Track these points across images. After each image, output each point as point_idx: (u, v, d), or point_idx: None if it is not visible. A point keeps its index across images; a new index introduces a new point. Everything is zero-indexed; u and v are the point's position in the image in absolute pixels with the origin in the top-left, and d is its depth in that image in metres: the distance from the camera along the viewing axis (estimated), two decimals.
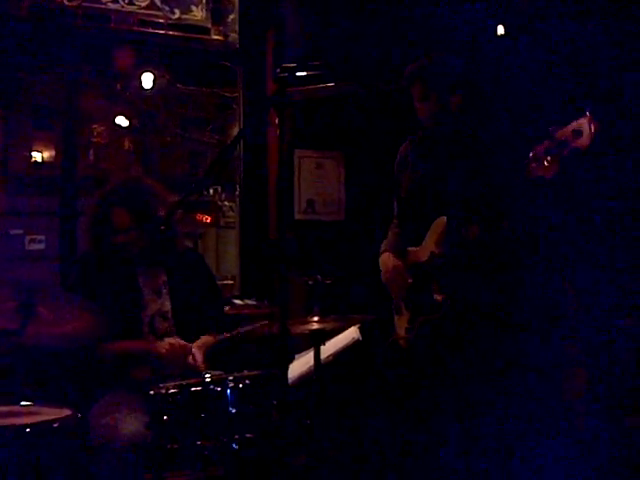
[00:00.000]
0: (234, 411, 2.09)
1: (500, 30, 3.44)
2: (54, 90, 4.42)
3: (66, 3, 3.47)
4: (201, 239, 6.04)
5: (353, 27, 3.53)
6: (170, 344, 2.42)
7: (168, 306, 2.55)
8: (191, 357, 2.44)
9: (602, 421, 2.57)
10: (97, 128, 5.94)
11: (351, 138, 3.72)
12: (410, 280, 2.40)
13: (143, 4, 3.63)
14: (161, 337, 2.50)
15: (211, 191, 5.97)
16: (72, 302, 2.12)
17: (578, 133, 1.96)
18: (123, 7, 3.58)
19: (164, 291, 2.57)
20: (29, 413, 2.12)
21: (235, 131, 4.65)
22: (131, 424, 2.20)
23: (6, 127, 3.47)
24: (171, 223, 2.47)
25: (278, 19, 3.68)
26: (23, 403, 2.18)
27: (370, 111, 3.65)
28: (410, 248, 2.45)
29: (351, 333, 2.45)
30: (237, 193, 4.01)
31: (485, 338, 2.29)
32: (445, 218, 2.32)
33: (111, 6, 3.57)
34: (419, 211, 2.42)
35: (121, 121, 5.85)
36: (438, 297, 2.29)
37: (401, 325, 2.46)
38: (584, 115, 1.96)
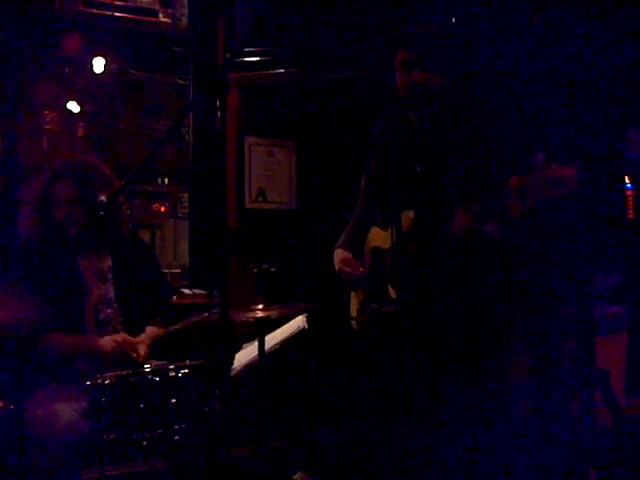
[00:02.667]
0: (174, 401, 2.06)
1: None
2: None
3: None
4: (159, 229, 5.93)
5: (306, 13, 3.48)
6: (116, 341, 2.36)
7: (112, 293, 2.49)
8: (134, 352, 2.38)
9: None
10: (49, 114, 5.76)
11: (303, 126, 3.68)
12: (362, 269, 2.36)
13: None
14: (105, 325, 2.45)
15: (166, 180, 5.85)
16: (12, 289, 2.04)
17: (561, 181, 1.92)
18: None
19: (109, 276, 2.51)
20: None
21: (188, 118, 4.57)
22: (68, 415, 2.15)
23: None
24: (114, 208, 2.41)
25: (228, 2, 3.61)
26: None
27: (321, 99, 3.62)
28: (375, 229, 2.38)
29: (297, 322, 2.43)
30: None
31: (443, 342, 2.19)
32: (413, 212, 2.22)
33: None
34: (388, 191, 2.28)
35: (73, 107, 5.68)
36: (393, 293, 2.24)
37: (354, 304, 2.44)
38: (569, 165, 1.93)
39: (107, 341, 2.36)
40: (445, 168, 2.23)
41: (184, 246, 5.51)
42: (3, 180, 3.48)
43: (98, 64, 4.59)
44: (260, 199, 3.65)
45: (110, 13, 3.58)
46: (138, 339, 2.41)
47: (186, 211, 5.80)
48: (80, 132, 6.21)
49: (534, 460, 2.50)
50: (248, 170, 3.66)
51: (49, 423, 2.15)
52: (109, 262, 2.53)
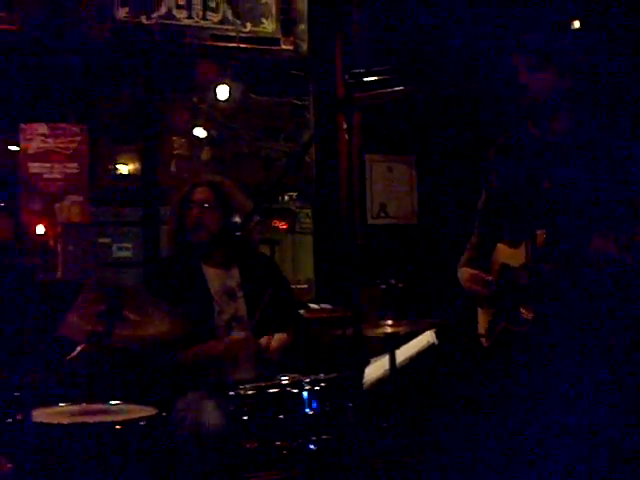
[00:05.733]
0: (310, 413, 2.13)
1: (576, 25, 3.30)
2: (136, 105, 4.65)
3: (144, 22, 3.66)
4: (278, 245, 6.15)
5: (421, 28, 3.51)
6: (246, 335, 2.47)
7: (244, 310, 2.60)
8: (265, 343, 2.46)
9: None
10: (177, 140, 6.19)
11: (422, 141, 3.70)
12: (493, 285, 2.31)
13: (216, 19, 3.76)
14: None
15: (286, 197, 6.08)
16: (156, 306, 2.22)
17: None
18: (197, 22, 3.73)
19: (239, 294, 2.63)
20: (118, 411, 2.24)
21: (307, 138, 4.72)
22: (213, 423, 2.28)
23: (91, 143, 3.70)
24: (247, 229, 2.54)
25: (346, 27, 3.72)
26: (112, 402, 2.31)
27: (440, 113, 3.62)
28: (501, 245, 2.33)
29: (426, 337, 2.44)
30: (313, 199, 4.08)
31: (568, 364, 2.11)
32: (544, 231, 2.14)
33: (186, 22, 3.72)
34: (515, 209, 2.26)
35: (199, 133, 6.07)
36: (527, 314, 2.16)
37: (483, 321, 2.40)
38: None
39: (237, 335, 2.48)
40: (577, 186, 2.16)
41: (303, 261, 5.69)
42: (146, 200, 3.80)
43: (222, 91, 4.90)
44: (382, 215, 3.70)
45: (235, 45, 3.81)
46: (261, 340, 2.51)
47: (305, 227, 6.00)
48: (205, 156, 6.63)
49: None
50: (369, 187, 3.73)
51: (195, 431, 2.30)
52: (238, 279, 2.65)
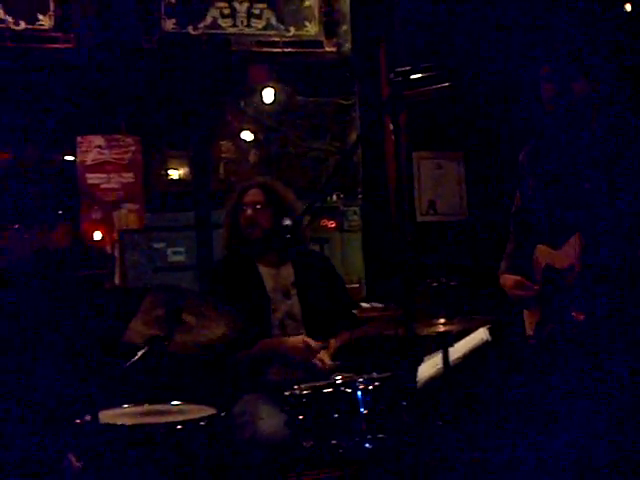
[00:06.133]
0: (365, 412, 2.15)
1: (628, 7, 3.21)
2: (185, 112, 4.77)
3: (191, 32, 3.75)
4: (327, 244, 6.19)
5: (465, 25, 3.49)
6: (303, 340, 2.52)
7: (298, 308, 2.65)
8: (318, 359, 2.52)
9: None
10: (225, 144, 6.32)
11: (471, 136, 3.66)
12: (536, 289, 2.30)
13: (260, 25, 3.82)
14: None
15: (334, 197, 6.11)
16: (213, 309, 2.28)
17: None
18: (242, 30, 3.80)
19: (293, 293, 2.67)
20: (178, 412, 2.32)
21: (353, 137, 4.74)
22: (269, 423, 2.33)
23: (144, 149, 3.84)
24: (299, 229, 2.59)
25: (389, 25, 3.72)
26: (173, 402, 2.40)
27: (487, 108, 3.57)
28: (543, 247, 2.32)
29: (480, 334, 2.43)
30: (359, 197, 4.09)
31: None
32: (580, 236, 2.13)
33: (231, 30, 3.80)
34: (554, 212, 2.26)
35: (246, 136, 6.17)
36: (578, 315, 2.14)
37: (531, 322, 2.38)
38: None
39: (296, 338, 2.53)
40: (616, 189, 2.12)
41: (352, 259, 5.72)
42: (199, 204, 3.90)
43: (268, 94, 4.98)
44: (431, 212, 3.68)
45: (280, 50, 3.87)
46: (322, 348, 2.55)
47: (353, 224, 6.02)
48: (252, 158, 6.74)
49: None
50: (418, 184, 3.72)
51: (253, 430, 2.35)
52: (292, 278, 2.69)
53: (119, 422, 2.19)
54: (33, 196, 4.08)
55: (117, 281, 3.78)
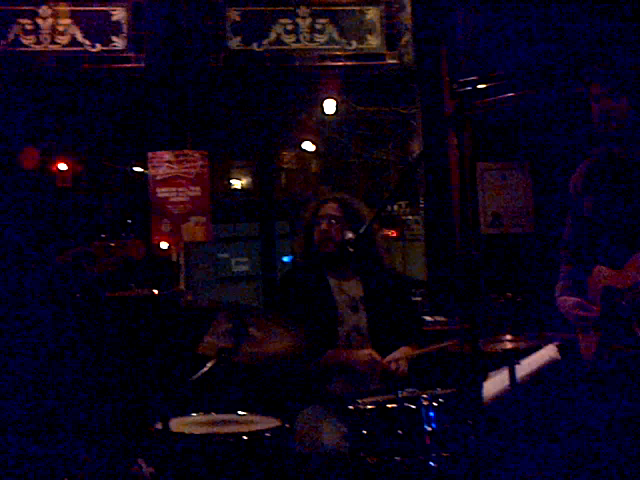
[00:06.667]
0: (429, 429, 2.14)
1: None
2: (249, 126, 4.89)
3: (256, 49, 3.84)
4: (388, 253, 6.16)
5: (527, 34, 3.42)
6: (370, 354, 2.52)
7: (365, 322, 2.64)
8: (394, 364, 2.51)
9: None
10: (286, 155, 6.42)
11: (536, 146, 3.58)
12: (597, 309, 2.24)
13: (322, 40, 3.87)
14: None
15: (395, 206, 6.10)
16: (278, 322, 2.33)
17: None
18: (305, 45, 3.86)
19: (361, 306, 2.67)
20: (244, 422, 2.37)
21: (415, 146, 4.72)
22: (332, 436, 2.35)
23: (210, 161, 3.96)
24: (369, 240, 2.60)
25: (451, 35, 3.69)
26: (239, 413, 2.45)
27: (552, 117, 3.49)
28: (602, 268, 2.27)
29: (548, 352, 2.37)
30: (421, 206, 4.07)
31: None
32: None
33: (294, 46, 3.87)
34: (612, 231, 2.23)
35: (307, 146, 6.26)
36: None
37: (587, 345, 2.30)
38: None
39: (362, 353, 2.53)
40: None
41: (414, 268, 5.68)
42: (263, 215, 3.97)
43: (329, 106, 5.03)
44: (496, 224, 3.62)
45: (342, 63, 3.90)
46: (393, 355, 2.53)
47: (415, 233, 5.98)
48: (313, 168, 6.81)
49: None
50: (482, 196, 3.66)
51: (315, 442, 2.37)
52: (361, 292, 2.69)
53: (188, 431, 2.26)
54: (109, 209, 4.28)
55: (182, 288, 3.90)
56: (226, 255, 5.32)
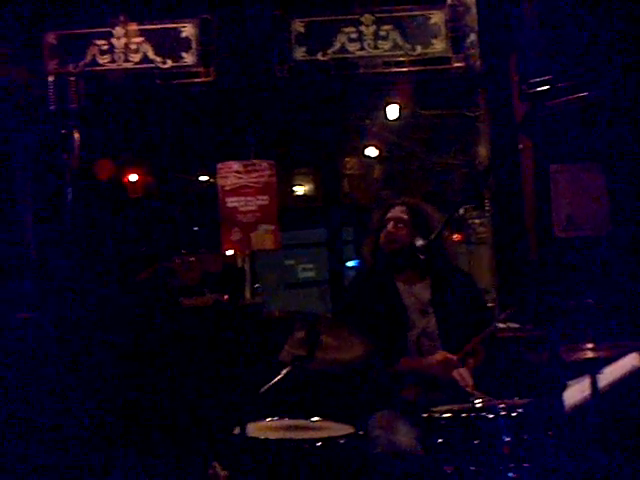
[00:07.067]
0: (507, 439, 2.09)
1: None
2: (313, 134, 4.94)
3: (320, 58, 3.89)
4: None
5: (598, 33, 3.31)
6: (443, 355, 2.50)
7: (434, 326, 2.62)
8: (458, 374, 2.48)
9: None
10: (349, 161, 6.45)
11: (612, 146, 3.45)
12: None
13: (386, 46, 3.87)
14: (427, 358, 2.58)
15: (461, 210, 6.02)
16: (350, 330, 2.35)
17: None
18: (369, 52, 3.87)
19: (430, 310, 2.65)
20: (318, 428, 2.40)
21: (481, 150, 4.64)
22: (404, 443, 2.33)
23: (278, 169, 4.03)
24: (441, 248, 2.59)
25: (519, 35, 3.62)
26: (313, 419, 2.48)
27: (629, 114, 3.36)
28: None
29: (630, 361, 2.27)
30: (487, 209, 4.00)
31: None
32: None
33: (358, 54, 3.89)
34: None
35: (371, 152, 6.26)
36: None
37: None
38: None
39: (435, 356, 2.51)
40: None
41: (479, 271, 5.57)
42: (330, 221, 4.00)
43: (392, 111, 5.02)
44: (570, 227, 3.51)
45: (407, 69, 3.89)
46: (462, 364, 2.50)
47: (480, 236, 5.87)
48: (376, 174, 6.81)
49: None
50: (555, 198, 3.57)
51: (388, 449, 2.36)
52: (429, 295, 2.67)
53: (263, 436, 2.30)
54: (178, 218, 4.42)
55: (247, 296, 3.98)
56: (292, 262, 5.38)
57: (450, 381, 2.48)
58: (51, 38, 3.69)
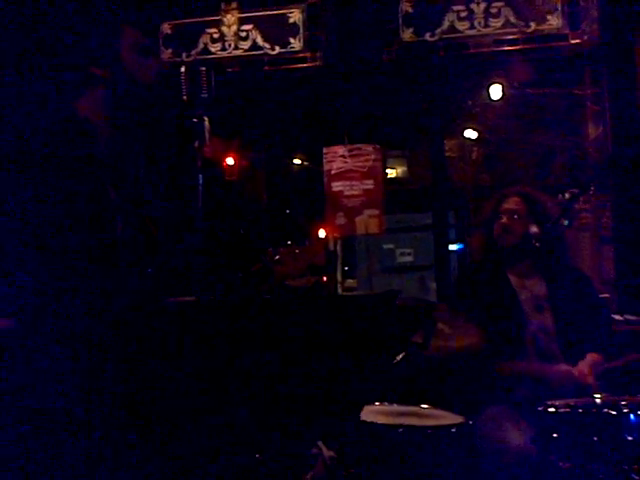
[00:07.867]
0: (631, 438, 2.00)
1: None
2: (418, 116, 4.86)
3: (428, 39, 3.80)
4: None
5: None
6: (568, 371, 2.39)
7: (551, 322, 2.52)
8: (580, 373, 2.37)
9: None
10: (448, 143, 6.31)
11: None
12: None
13: (498, 24, 3.73)
14: (544, 356, 2.50)
15: (566, 194, 5.74)
16: (466, 320, 2.31)
17: None
18: (479, 31, 3.75)
19: (546, 305, 2.55)
20: (428, 415, 2.40)
21: (591, 130, 4.40)
22: (516, 437, 2.27)
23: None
24: (557, 235, 2.49)
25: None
26: (423, 406, 2.48)
27: None
28: None
29: None
30: (591, 194, 3.82)
31: None
32: None
33: (468, 33, 3.77)
34: None
35: (470, 134, 6.09)
36: None
37: None
38: None
39: (557, 369, 2.42)
40: None
41: (583, 258, 5.31)
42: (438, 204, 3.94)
43: (495, 91, 4.83)
44: None
45: (520, 47, 3.74)
46: (580, 369, 2.40)
47: (584, 222, 5.59)
48: (474, 155, 6.63)
49: None
50: None
51: (499, 443, 2.31)
52: (545, 290, 2.57)
53: (373, 420, 2.33)
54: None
55: (339, 279, 4.01)
56: (391, 246, 5.36)
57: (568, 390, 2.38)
58: (166, 28, 3.84)
